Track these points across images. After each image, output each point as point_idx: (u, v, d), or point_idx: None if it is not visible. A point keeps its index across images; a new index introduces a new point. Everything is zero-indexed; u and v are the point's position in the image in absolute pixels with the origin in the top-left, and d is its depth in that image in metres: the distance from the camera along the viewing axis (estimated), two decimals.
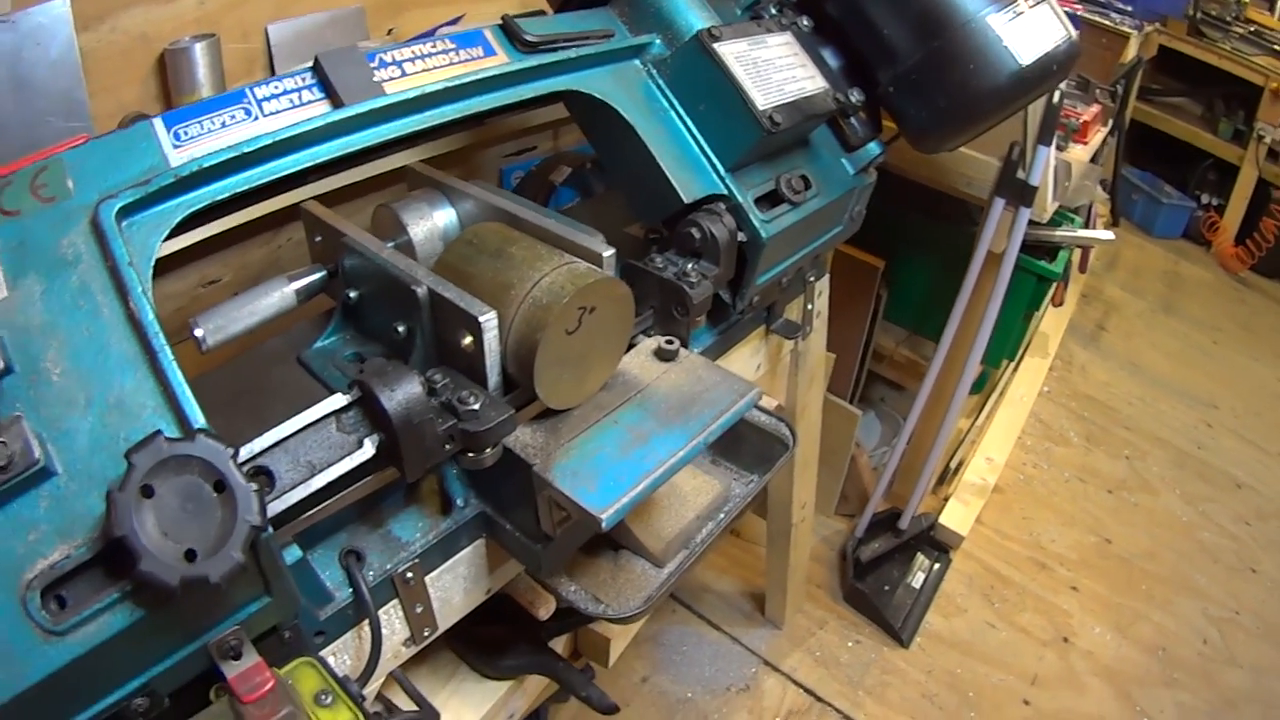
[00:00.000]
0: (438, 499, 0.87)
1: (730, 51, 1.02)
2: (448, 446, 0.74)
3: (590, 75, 1.00)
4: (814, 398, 1.69)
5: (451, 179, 1.01)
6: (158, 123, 0.72)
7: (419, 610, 0.86)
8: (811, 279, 1.35)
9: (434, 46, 0.89)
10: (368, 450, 0.70)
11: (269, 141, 0.74)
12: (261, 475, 0.66)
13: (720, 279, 1.02)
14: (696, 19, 1.06)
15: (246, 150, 0.73)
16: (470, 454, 0.76)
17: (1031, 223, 1.81)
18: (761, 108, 1.00)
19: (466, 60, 0.90)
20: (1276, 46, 3.89)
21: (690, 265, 0.99)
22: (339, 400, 0.71)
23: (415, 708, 0.89)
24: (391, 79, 0.84)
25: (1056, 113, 1.66)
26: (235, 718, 0.61)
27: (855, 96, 1.14)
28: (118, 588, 0.55)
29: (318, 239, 0.95)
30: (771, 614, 2.18)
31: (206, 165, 0.70)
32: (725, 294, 1.10)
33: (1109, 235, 2.18)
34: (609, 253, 0.88)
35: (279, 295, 0.87)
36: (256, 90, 0.77)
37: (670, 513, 0.96)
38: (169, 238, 0.69)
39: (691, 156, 1.03)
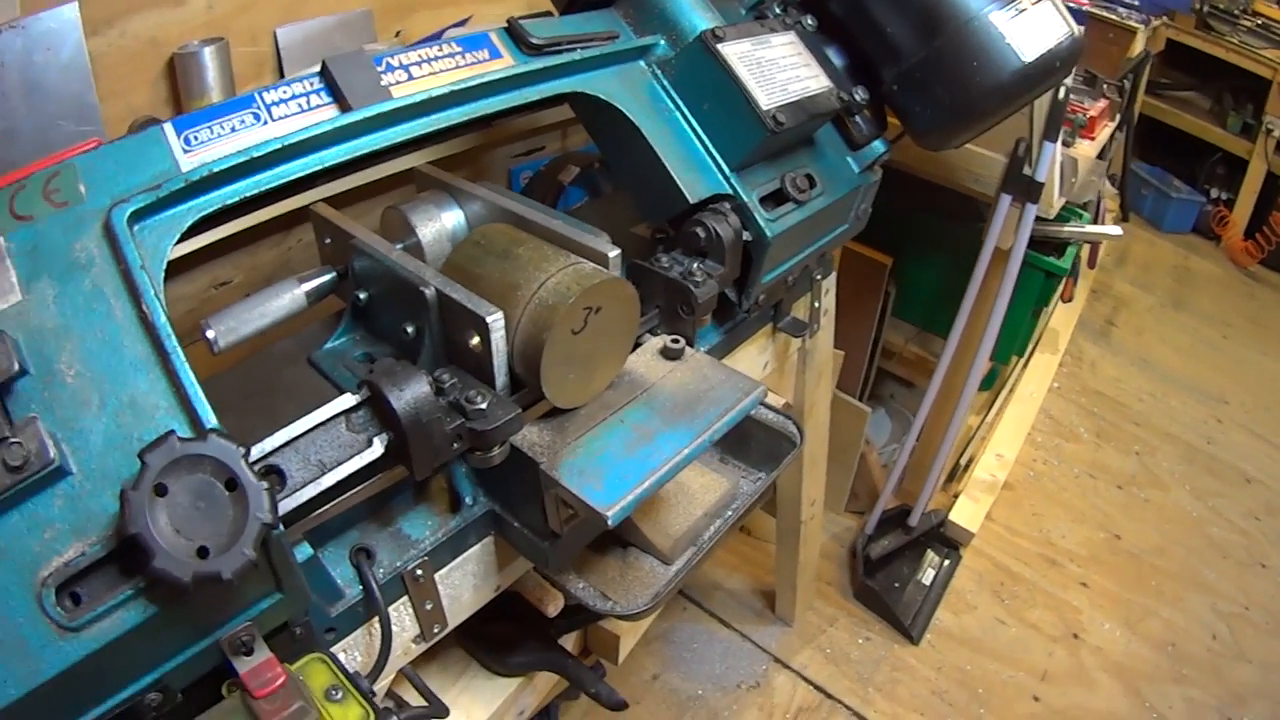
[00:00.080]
0: (447, 497, 0.88)
1: (734, 52, 1.02)
2: (456, 445, 0.75)
3: (595, 77, 1.00)
4: (822, 395, 1.69)
5: (459, 180, 1.02)
6: (168, 128, 0.72)
7: (429, 607, 0.87)
8: (818, 277, 1.36)
9: (440, 50, 0.89)
10: (377, 449, 0.71)
11: (278, 146, 0.75)
12: (273, 474, 0.67)
13: (725, 278, 1.03)
14: (700, 19, 1.07)
15: (256, 155, 0.73)
16: (478, 453, 0.76)
17: (1039, 219, 1.81)
18: (765, 107, 1.00)
19: (472, 63, 0.91)
20: None
21: (695, 265, 1.00)
22: (348, 400, 0.72)
23: (425, 704, 0.89)
24: (398, 83, 0.85)
25: (1062, 109, 1.66)
26: (247, 712, 0.62)
27: (859, 95, 1.15)
28: (131, 584, 0.56)
29: (327, 241, 0.96)
30: (782, 611, 2.18)
31: (216, 170, 0.71)
32: (731, 293, 1.10)
33: (1116, 230, 2.18)
34: (614, 253, 0.88)
35: (289, 297, 0.88)
36: (265, 95, 0.78)
37: (678, 510, 0.97)
38: (180, 241, 0.70)
39: (696, 157, 1.04)
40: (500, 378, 0.81)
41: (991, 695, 2.05)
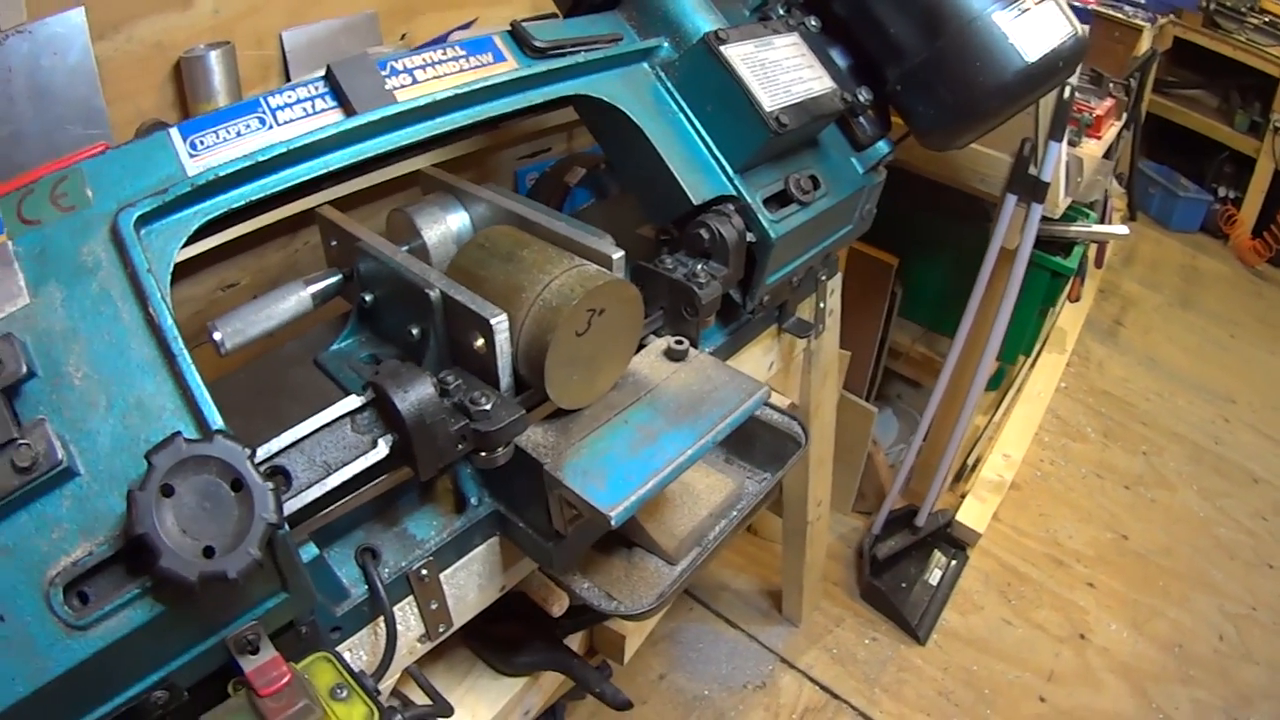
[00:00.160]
0: (452, 498, 0.88)
1: (737, 53, 1.02)
2: (460, 446, 0.75)
3: (599, 79, 1.00)
4: (828, 395, 1.69)
5: (464, 183, 1.02)
6: (174, 133, 0.73)
7: (434, 607, 0.87)
8: (823, 278, 1.36)
9: (444, 54, 0.90)
10: (382, 450, 0.71)
11: (283, 150, 0.75)
12: (278, 475, 0.67)
13: (729, 279, 1.03)
14: (704, 21, 1.07)
15: (261, 159, 0.74)
16: (483, 453, 0.77)
17: (1045, 218, 1.81)
18: (768, 109, 1.00)
19: (476, 67, 0.91)
20: None
21: (699, 266, 1.00)
22: (354, 401, 0.73)
23: (430, 703, 0.90)
24: (403, 86, 0.85)
25: (1068, 108, 1.66)
26: (252, 710, 0.62)
27: (863, 95, 1.15)
28: (138, 584, 0.57)
29: (333, 243, 0.97)
30: (788, 611, 2.18)
31: (222, 174, 0.72)
32: (735, 294, 1.10)
33: (1123, 230, 2.17)
34: (618, 255, 0.89)
35: (295, 299, 0.88)
36: (270, 99, 0.78)
37: (683, 510, 0.97)
38: (186, 244, 0.71)
39: (700, 158, 1.04)
40: (505, 379, 0.82)
41: (998, 695, 2.05)
